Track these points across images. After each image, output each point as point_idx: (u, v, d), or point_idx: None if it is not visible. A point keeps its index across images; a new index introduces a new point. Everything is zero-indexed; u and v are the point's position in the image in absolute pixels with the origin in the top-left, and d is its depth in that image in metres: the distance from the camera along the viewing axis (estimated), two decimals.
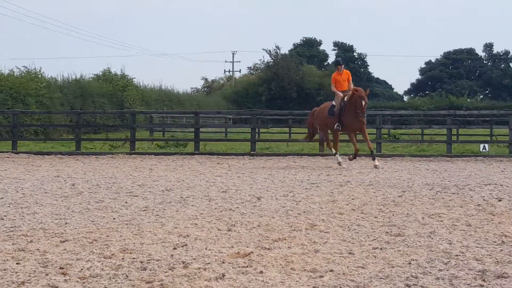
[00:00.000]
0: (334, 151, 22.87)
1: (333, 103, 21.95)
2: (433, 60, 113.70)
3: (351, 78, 22.04)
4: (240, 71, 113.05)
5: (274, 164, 23.05)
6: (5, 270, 7.24)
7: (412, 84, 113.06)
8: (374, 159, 21.22)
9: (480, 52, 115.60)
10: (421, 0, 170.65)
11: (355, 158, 22.17)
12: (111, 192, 14.43)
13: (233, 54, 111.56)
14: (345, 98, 21.09)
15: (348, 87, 21.64)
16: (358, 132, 22.10)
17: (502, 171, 19.63)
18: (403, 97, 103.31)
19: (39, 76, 43.33)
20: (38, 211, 11.56)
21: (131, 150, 28.10)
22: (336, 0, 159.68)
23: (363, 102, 20.45)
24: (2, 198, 13.37)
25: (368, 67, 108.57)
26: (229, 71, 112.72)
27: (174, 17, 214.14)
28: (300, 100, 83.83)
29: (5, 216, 10.98)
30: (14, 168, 20.58)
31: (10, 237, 9.18)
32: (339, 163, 21.85)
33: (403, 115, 51.93)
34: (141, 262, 7.59)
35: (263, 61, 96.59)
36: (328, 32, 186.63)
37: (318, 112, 23.50)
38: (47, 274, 7.07)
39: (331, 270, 7.15)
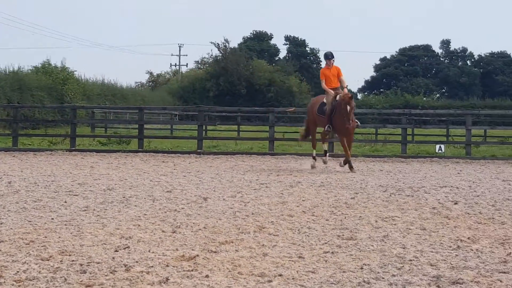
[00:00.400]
0: (314, 151, 21.99)
1: (324, 100, 20.94)
2: (388, 57, 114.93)
3: (342, 74, 20.70)
4: (187, 65, 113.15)
5: (222, 163, 23.03)
6: None
7: (366, 82, 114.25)
8: (349, 167, 20.20)
9: (437, 49, 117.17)
10: None
11: (347, 164, 20.46)
12: (50, 191, 14.28)
13: (179, 47, 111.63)
14: (337, 97, 19.96)
15: (340, 83, 20.70)
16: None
17: (458, 173, 19.85)
18: (356, 95, 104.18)
19: None
20: None
21: (72, 147, 27.85)
22: None
23: (348, 107, 19.31)
24: None
25: (321, 63, 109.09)
26: (175, 65, 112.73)
27: (119, 7, 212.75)
28: (250, 97, 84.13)
29: None
30: None
31: None
32: (312, 166, 21.11)
33: (356, 113, 52.41)
34: (81, 264, 7.49)
35: (211, 55, 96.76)
36: (279, 25, 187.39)
37: (309, 106, 22.63)
38: None
39: (280, 275, 7.11)
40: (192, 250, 8.38)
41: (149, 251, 8.28)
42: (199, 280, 6.91)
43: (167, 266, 7.49)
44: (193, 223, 10.28)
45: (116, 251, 8.25)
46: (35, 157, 24.27)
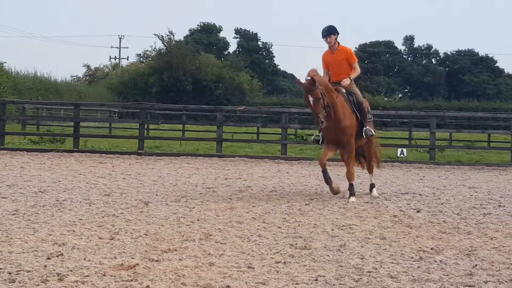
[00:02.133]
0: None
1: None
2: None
3: (355, 59, 14.90)
4: (128, 58, 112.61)
5: (165, 165, 23.01)
6: None
7: None
8: (350, 196, 14.46)
9: (399, 45, 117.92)
10: None
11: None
12: None
13: (120, 38, 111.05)
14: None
15: (351, 72, 14.91)
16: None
17: (421, 179, 20.06)
18: None
19: None
20: None
21: (0, 146, 27.59)
22: None
23: (311, 98, 13.65)
24: None
25: (274, 59, 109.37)
26: (115, 58, 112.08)
27: None
28: (196, 94, 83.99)
29: None
30: None
31: None
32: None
33: (304, 113, 52.55)
34: (9, 273, 7.46)
35: (155, 48, 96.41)
36: (229, 17, 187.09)
37: None
38: None
39: (228, 286, 7.16)
40: (132, 258, 8.39)
41: (84, 259, 8.27)
42: None
43: (104, 275, 7.49)
44: (133, 229, 10.28)
45: (49, 258, 8.23)
46: None
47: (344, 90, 14.16)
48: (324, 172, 14.11)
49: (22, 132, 37.70)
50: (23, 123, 44.12)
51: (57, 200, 13.23)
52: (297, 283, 7.35)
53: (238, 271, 7.88)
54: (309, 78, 13.62)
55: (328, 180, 14.18)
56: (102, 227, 10.42)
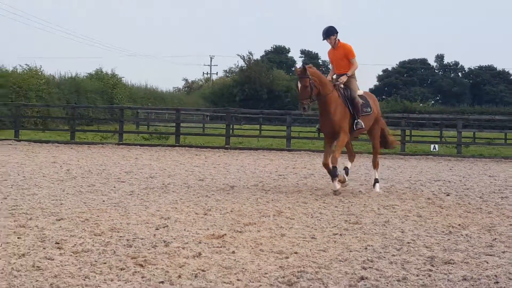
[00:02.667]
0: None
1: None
2: (389, 69, 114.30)
3: (353, 55, 12.92)
4: (217, 73, 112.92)
5: (246, 157, 23.02)
6: (7, 243, 7.21)
7: (370, 90, 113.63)
8: (333, 179, 12.48)
9: (432, 62, 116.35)
10: (379, 14, 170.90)
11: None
12: (101, 177, 14.37)
13: (211, 58, 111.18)
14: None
15: (349, 67, 12.97)
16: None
17: (450, 169, 19.76)
18: None
19: (39, 73, 42.97)
20: (37, 193, 11.50)
21: (119, 141, 27.95)
22: (304, 11, 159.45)
23: (299, 85, 12.23)
24: (5, 180, 13.29)
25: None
26: (207, 73, 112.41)
27: (160, 24, 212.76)
28: (270, 101, 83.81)
29: (8, 196, 10.95)
30: (16, 154, 20.42)
31: (12, 214, 9.14)
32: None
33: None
34: (127, 240, 7.58)
35: (238, 65, 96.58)
36: (296, 41, 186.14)
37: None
38: (44, 248, 7.05)
39: (296, 252, 7.16)
40: (221, 230, 8.44)
41: (184, 229, 8.35)
42: (226, 255, 6.97)
43: (200, 243, 7.56)
44: (222, 207, 10.34)
45: (157, 229, 8.33)
46: (89, 149, 24.37)
47: (342, 85, 12.53)
48: (333, 168, 12.10)
49: (136, 131, 38.12)
50: (137, 124, 44.59)
51: (163, 184, 13.36)
52: (350, 251, 7.32)
53: (303, 240, 7.89)
54: (301, 67, 12.34)
55: (333, 174, 12.20)
56: (198, 205, 10.50)
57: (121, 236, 7.80)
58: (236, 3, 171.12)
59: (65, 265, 6.37)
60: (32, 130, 33.07)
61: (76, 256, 6.74)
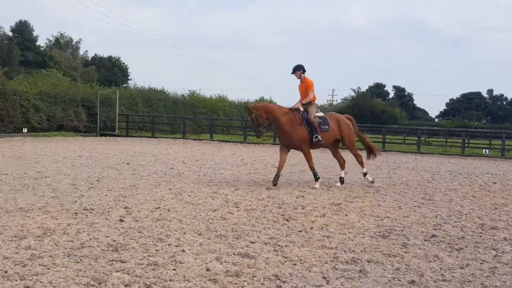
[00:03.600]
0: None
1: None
2: (454, 98, 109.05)
3: (311, 89, 10.48)
4: (337, 100, 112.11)
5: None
6: (205, 203, 7.58)
7: (440, 112, 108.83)
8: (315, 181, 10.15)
9: (484, 94, 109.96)
10: (445, 57, 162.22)
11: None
12: (262, 164, 14.50)
13: (333, 90, 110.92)
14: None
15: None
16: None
17: (496, 166, 18.52)
18: (435, 119, 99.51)
19: (225, 99, 44.29)
20: (223, 172, 11.93)
21: (274, 142, 28.15)
22: (396, 57, 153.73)
23: (249, 119, 10.54)
24: (204, 164, 13.86)
25: (414, 101, 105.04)
26: (330, 100, 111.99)
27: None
28: (372, 119, 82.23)
29: (204, 174, 11.41)
30: (210, 148, 21.19)
31: (208, 185, 9.55)
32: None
33: (434, 129, 49.95)
34: (278, 203, 7.75)
35: (351, 95, 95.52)
36: (390, 78, 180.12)
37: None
38: (227, 206, 7.34)
39: (388, 217, 7.08)
40: (338, 200, 8.45)
41: (314, 199, 8.42)
42: (341, 216, 7.00)
43: (324, 207, 7.61)
44: (339, 186, 10.30)
45: (297, 198, 8.45)
46: (255, 147, 24.50)
47: (301, 109, 10.22)
48: (277, 176, 9.89)
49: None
50: None
51: (301, 170, 13.36)
52: (425, 218, 7.14)
53: (393, 209, 7.77)
54: (248, 107, 10.62)
55: (275, 181, 9.79)
56: (323, 184, 10.49)
57: (274, 201, 7.98)
58: (347, 51, 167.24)
59: (240, 217, 6.63)
60: (220, 134, 34.17)
61: (247, 212, 6.99)
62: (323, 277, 4.30)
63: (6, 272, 4.03)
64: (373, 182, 10.69)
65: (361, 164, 10.86)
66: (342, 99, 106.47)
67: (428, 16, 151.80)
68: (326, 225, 6.34)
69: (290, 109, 10.24)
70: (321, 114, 10.59)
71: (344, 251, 5.13)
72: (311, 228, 6.15)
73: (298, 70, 10.42)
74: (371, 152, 11.19)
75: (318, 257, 4.90)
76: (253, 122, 10.19)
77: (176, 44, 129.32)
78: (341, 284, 4.15)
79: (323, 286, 4.11)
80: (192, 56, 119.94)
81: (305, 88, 10.45)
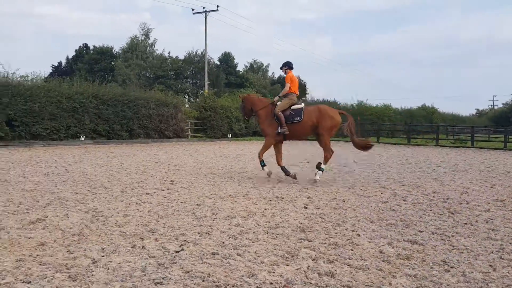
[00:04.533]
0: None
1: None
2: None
3: (286, 80, 9.45)
4: (497, 105, 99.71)
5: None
6: (375, 195, 7.39)
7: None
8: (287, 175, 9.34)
9: None
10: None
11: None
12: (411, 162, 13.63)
13: (493, 96, 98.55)
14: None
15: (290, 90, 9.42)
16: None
17: None
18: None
19: (389, 107, 42.34)
20: (390, 170, 11.41)
21: (436, 145, 26.33)
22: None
23: (240, 107, 10.42)
24: (372, 163, 13.45)
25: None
26: (491, 105, 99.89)
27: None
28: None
29: (373, 172, 11.07)
30: (377, 149, 20.32)
31: (376, 181, 9.26)
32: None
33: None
34: (443, 198, 7.24)
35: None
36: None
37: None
38: (395, 199, 7.06)
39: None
40: (502, 197, 7.54)
41: (478, 196, 7.67)
42: (505, 212, 6.23)
43: (488, 203, 6.88)
44: (504, 184, 9.18)
45: (461, 194, 7.75)
46: (418, 148, 23.33)
47: (278, 103, 9.31)
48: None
49: (445, 138, 35.40)
50: (446, 134, 41.36)
51: (464, 168, 12.26)
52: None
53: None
54: (239, 96, 10.19)
55: (262, 164, 9.45)
56: (487, 182, 9.44)
57: (439, 196, 7.47)
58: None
59: (408, 209, 6.31)
60: (385, 137, 32.90)
61: (414, 205, 6.61)
62: (490, 265, 3.92)
63: (223, 242, 4.45)
64: (315, 182, 8.77)
65: (325, 160, 9.13)
66: (503, 104, 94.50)
67: None
68: (491, 219, 5.74)
69: (272, 102, 9.45)
70: (300, 106, 9.33)
71: (510, 243, 4.59)
72: (476, 221, 5.63)
73: (284, 67, 9.55)
74: (362, 149, 9.35)
75: (484, 247, 4.47)
76: (241, 110, 9.81)
77: (344, 62, 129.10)
78: (508, 273, 3.73)
79: (490, 273, 3.75)
80: (359, 71, 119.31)
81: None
